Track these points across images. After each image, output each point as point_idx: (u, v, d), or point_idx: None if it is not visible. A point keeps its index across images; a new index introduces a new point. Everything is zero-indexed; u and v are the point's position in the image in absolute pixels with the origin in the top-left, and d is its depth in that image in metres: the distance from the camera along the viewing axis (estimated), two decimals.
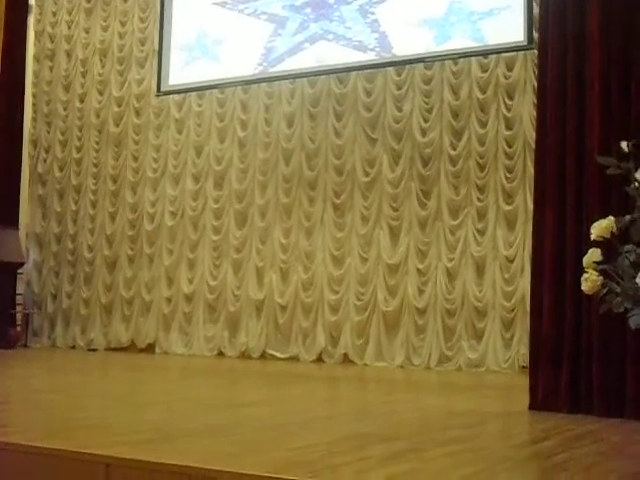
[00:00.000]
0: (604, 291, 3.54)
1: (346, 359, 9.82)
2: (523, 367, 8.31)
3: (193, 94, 11.29)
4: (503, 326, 9.10)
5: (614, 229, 3.56)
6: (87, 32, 12.25)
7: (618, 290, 3.47)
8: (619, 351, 4.87)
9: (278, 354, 10.15)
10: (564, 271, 5.00)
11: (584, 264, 3.63)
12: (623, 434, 4.39)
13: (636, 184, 3.59)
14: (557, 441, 4.03)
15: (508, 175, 9.24)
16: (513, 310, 9.04)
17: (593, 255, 3.58)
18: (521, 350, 8.71)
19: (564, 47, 5.27)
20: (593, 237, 3.60)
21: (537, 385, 5.15)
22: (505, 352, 9.03)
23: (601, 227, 3.61)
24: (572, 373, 4.99)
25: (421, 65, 9.83)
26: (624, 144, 3.71)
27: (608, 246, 3.55)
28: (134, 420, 4.46)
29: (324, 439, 3.95)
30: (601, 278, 3.55)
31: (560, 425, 4.52)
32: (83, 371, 8.35)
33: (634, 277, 3.42)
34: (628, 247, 3.53)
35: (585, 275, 3.60)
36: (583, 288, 3.62)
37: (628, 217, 3.59)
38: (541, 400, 5.10)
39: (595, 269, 3.56)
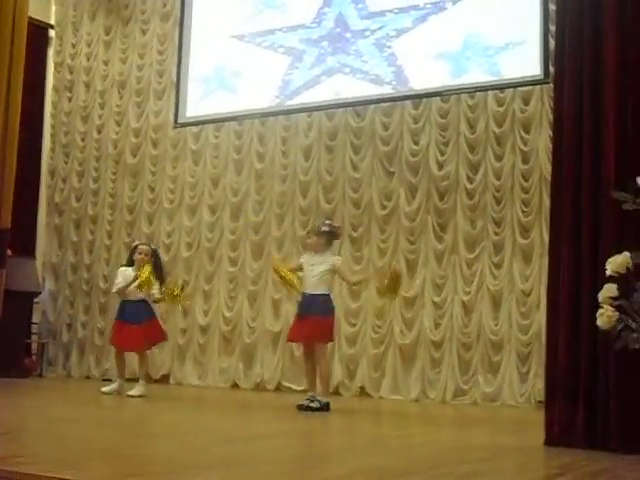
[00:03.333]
0: (620, 327, 3.52)
1: (363, 392, 9.79)
2: (539, 402, 8.26)
3: (210, 126, 11.36)
4: (519, 360, 9.07)
5: (630, 265, 3.55)
6: (106, 64, 12.37)
7: (634, 326, 3.46)
8: (636, 386, 4.82)
9: (294, 386, 10.12)
10: (580, 306, 4.96)
11: (600, 299, 3.62)
12: None
13: None
14: (573, 477, 3.98)
15: (524, 209, 9.24)
16: (529, 344, 9.01)
17: (609, 290, 3.58)
18: (537, 384, 8.66)
19: (580, 81, 5.26)
20: (609, 273, 3.59)
21: (553, 420, 5.10)
22: (521, 386, 8.99)
23: (616, 263, 3.61)
24: (588, 408, 4.94)
25: (438, 99, 9.86)
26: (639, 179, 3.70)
27: (624, 282, 3.54)
28: (147, 451, 4.44)
29: (339, 472, 3.92)
30: (617, 314, 3.54)
31: (576, 461, 4.47)
32: (97, 401, 8.33)
33: None
34: None
35: (601, 310, 3.59)
36: (598, 323, 3.61)
37: None
38: (557, 435, 5.05)
39: (611, 304, 3.55)
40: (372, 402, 9.34)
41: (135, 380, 8.89)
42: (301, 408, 7.50)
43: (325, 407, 7.47)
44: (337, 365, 9.95)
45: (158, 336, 9.07)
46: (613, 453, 4.72)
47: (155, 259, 9.00)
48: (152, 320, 8.96)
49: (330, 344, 8.43)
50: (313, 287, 7.77)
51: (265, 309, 10.59)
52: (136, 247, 9.07)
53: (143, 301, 8.90)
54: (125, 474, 3.44)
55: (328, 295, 7.82)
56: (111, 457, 4.16)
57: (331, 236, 7.93)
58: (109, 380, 10.58)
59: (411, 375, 9.64)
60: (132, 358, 10.14)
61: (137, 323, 8.79)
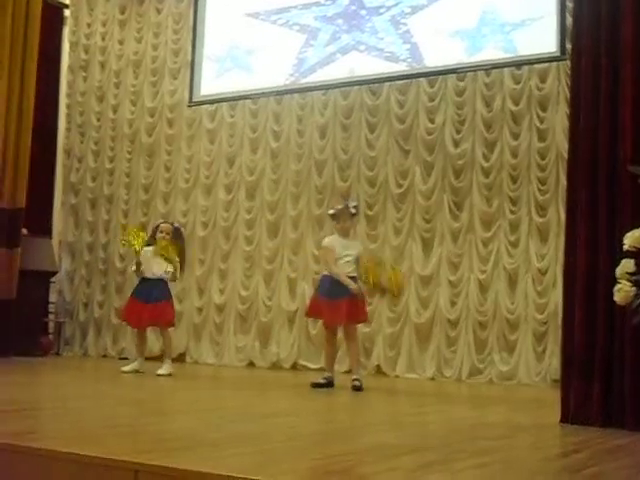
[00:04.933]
0: (637, 302, 3.50)
1: (379, 371, 9.80)
2: (555, 380, 8.24)
3: (225, 105, 11.34)
4: (535, 339, 9.04)
5: None
6: (121, 43, 12.35)
7: None
8: None
9: (310, 365, 10.13)
10: (596, 283, 4.94)
11: (617, 275, 3.60)
12: None
13: None
14: (588, 454, 3.98)
15: (541, 187, 9.20)
16: (545, 323, 8.98)
17: (626, 266, 3.56)
18: (553, 363, 8.64)
19: (597, 57, 5.22)
20: (626, 247, 3.57)
21: (568, 398, 5.09)
22: (537, 365, 8.97)
23: (634, 237, 3.58)
24: (604, 386, 4.93)
25: (453, 76, 9.81)
26: None
27: None
28: (163, 428, 4.46)
29: (353, 449, 3.93)
30: (634, 289, 3.52)
31: (591, 438, 4.47)
32: (114, 379, 8.36)
33: None
34: None
35: (618, 286, 3.57)
36: (616, 299, 3.59)
37: None
38: (572, 413, 5.05)
39: (628, 280, 3.53)
40: (388, 381, 9.34)
41: (153, 359, 8.90)
42: (316, 386, 7.58)
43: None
44: None
45: (164, 320, 8.84)
46: (629, 430, 4.72)
47: (177, 238, 8.95)
48: (163, 302, 8.81)
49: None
50: (343, 269, 7.77)
51: (281, 288, 10.59)
52: (158, 226, 9.00)
53: (161, 280, 8.84)
54: (141, 450, 3.45)
55: (356, 277, 7.88)
56: (127, 433, 4.18)
57: (356, 216, 8.11)
58: (126, 359, 10.63)
59: (427, 354, 9.63)
60: (153, 337, 10.21)
61: (146, 302, 8.74)
